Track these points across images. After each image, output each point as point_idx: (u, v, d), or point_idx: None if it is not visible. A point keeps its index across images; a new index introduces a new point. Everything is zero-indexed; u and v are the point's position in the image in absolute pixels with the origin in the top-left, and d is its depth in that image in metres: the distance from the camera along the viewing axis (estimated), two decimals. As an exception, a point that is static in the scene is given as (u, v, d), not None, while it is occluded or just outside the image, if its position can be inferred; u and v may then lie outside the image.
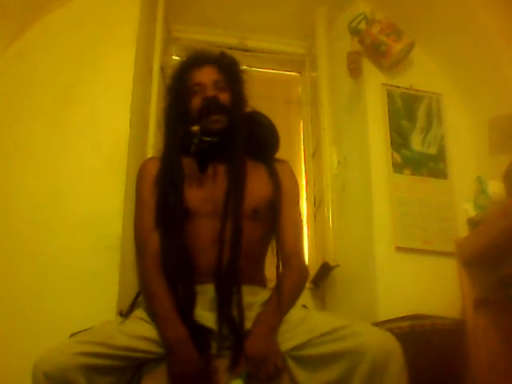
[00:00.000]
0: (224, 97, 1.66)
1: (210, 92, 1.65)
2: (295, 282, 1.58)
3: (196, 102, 1.65)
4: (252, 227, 1.58)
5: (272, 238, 1.66)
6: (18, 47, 2.28)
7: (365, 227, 2.33)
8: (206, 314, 1.46)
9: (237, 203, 1.56)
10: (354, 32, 2.50)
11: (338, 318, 1.46)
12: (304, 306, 1.58)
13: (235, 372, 1.39)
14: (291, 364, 1.40)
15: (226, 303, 1.46)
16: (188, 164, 1.64)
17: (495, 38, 2.30)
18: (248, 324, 1.45)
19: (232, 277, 1.49)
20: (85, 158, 2.14)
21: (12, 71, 2.25)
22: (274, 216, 1.64)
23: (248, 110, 1.76)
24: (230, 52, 2.77)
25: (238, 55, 2.83)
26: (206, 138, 1.61)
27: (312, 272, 2.50)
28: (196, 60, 1.75)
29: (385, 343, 1.32)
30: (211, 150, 1.62)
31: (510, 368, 1.91)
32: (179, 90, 1.71)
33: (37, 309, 1.90)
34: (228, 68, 1.73)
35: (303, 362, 1.40)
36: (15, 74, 2.24)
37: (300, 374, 1.39)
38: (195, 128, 1.61)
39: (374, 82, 2.50)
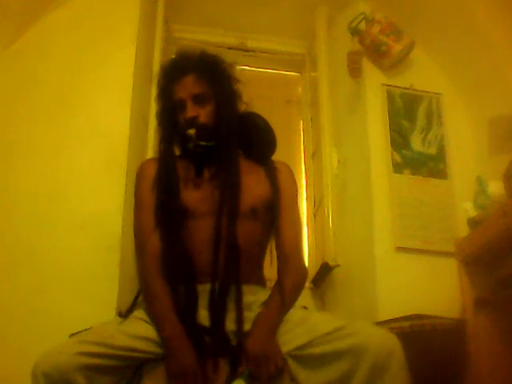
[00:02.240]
0: (206, 112, 1.62)
1: (190, 112, 1.61)
2: (295, 282, 1.57)
3: (181, 120, 1.63)
4: (251, 227, 1.58)
5: (271, 238, 1.66)
6: (18, 47, 2.28)
7: (365, 227, 2.33)
8: (204, 314, 1.46)
9: (232, 203, 1.55)
10: (354, 32, 2.50)
11: (338, 319, 1.46)
12: (304, 307, 1.58)
13: (236, 372, 1.39)
14: (292, 363, 1.41)
15: (219, 303, 1.46)
16: (184, 166, 1.63)
17: (495, 38, 2.30)
18: (247, 324, 1.45)
19: (228, 276, 1.49)
20: (85, 158, 2.14)
21: (12, 71, 2.25)
22: (273, 216, 1.64)
23: (243, 110, 1.73)
24: (229, 52, 2.83)
25: (237, 55, 2.89)
26: (202, 143, 1.60)
27: (312, 272, 2.50)
28: (175, 70, 1.68)
29: (386, 343, 1.32)
30: (207, 153, 1.61)
31: (510, 368, 1.91)
32: (165, 104, 1.69)
33: (37, 309, 1.90)
34: (209, 72, 1.66)
35: (304, 361, 1.40)
36: (15, 74, 2.24)
37: (300, 373, 1.39)
38: (191, 131, 1.60)
39: (374, 81, 2.50)
